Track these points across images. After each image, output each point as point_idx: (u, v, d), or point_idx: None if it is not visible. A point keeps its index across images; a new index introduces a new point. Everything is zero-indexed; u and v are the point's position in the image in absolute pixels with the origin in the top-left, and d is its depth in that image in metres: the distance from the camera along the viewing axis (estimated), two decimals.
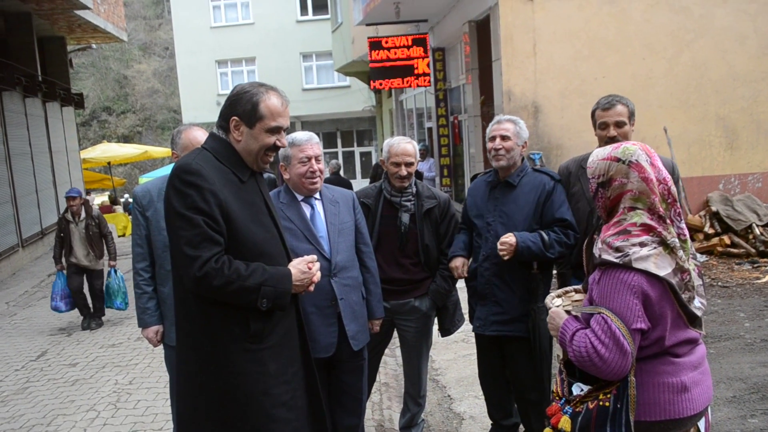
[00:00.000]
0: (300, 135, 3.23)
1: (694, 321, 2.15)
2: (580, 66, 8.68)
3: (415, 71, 11.50)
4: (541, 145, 8.60)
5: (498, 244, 3.31)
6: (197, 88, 26.71)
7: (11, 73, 11.35)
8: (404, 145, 3.67)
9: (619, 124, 3.25)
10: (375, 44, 11.53)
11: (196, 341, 2.37)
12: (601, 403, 2.07)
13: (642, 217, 2.10)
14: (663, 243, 2.06)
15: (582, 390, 2.16)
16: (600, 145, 3.18)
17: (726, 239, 8.55)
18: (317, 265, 2.54)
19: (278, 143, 2.44)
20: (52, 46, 15.67)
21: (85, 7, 12.67)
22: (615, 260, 2.04)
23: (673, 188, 2.17)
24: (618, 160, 2.15)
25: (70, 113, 16.25)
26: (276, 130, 2.41)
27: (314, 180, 3.19)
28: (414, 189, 3.78)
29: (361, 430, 3.52)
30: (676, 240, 2.09)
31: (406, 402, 4.10)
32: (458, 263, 3.59)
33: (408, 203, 3.74)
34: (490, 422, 3.83)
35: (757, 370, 4.67)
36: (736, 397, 4.28)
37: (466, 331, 4.08)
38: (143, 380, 5.60)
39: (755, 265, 7.92)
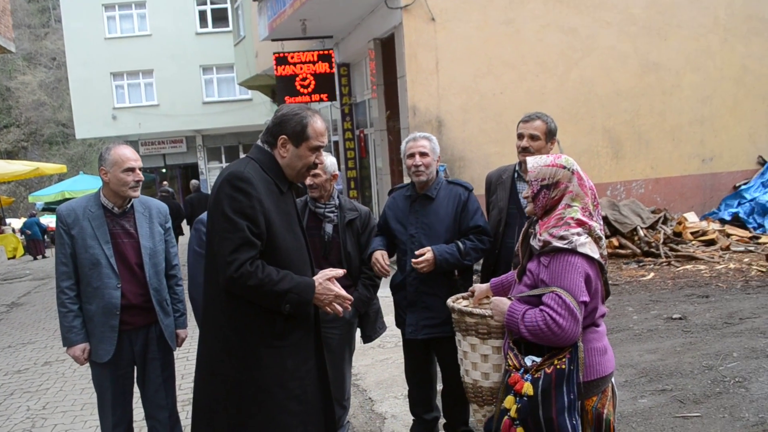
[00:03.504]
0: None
1: (607, 296, 2.67)
2: (479, 82, 9.19)
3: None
4: (444, 157, 9.02)
5: (412, 261, 3.57)
6: (91, 101, 25.58)
7: None
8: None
9: (532, 137, 3.54)
10: (281, 59, 11.65)
11: (225, 335, 2.59)
12: (557, 366, 2.43)
13: (577, 213, 2.53)
14: (591, 234, 2.51)
15: (534, 361, 2.49)
16: (518, 154, 3.58)
17: (614, 241, 9.29)
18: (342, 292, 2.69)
19: (316, 160, 2.71)
20: None
21: None
22: (564, 246, 2.46)
23: (595, 193, 2.64)
24: (564, 167, 2.58)
25: None
26: (317, 149, 2.67)
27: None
28: (337, 201, 3.99)
29: None
30: (600, 232, 2.56)
31: None
32: (378, 255, 3.71)
33: (331, 214, 3.94)
34: (412, 419, 4.07)
35: (645, 357, 5.20)
36: (627, 381, 4.76)
37: (381, 337, 4.33)
38: (58, 404, 5.45)
39: (641, 264, 8.68)
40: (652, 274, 8.09)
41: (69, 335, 3.41)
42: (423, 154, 3.72)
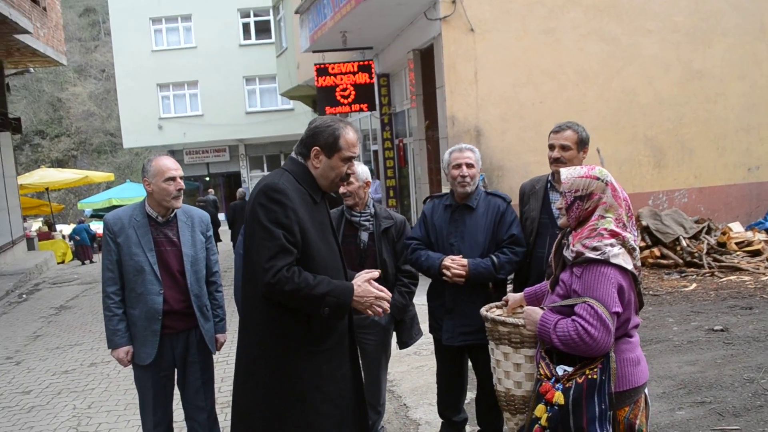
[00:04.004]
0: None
1: (641, 307, 2.67)
2: (519, 92, 9.18)
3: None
4: (483, 166, 8.89)
5: (443, 263, 3.64)
6: (138, 111, 26.35)
7: None
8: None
9: (564, 147, 3.55)
10: (321, 70, 11.83)
11: (262, 340, 2.67)
12: (589, 376, 2.45)
13: (611, 224, 2.55)
14: (624, 245, 2.53)
15: (566, 370, 2.52)
16: (550, 164, 3.59)
17: (656, 251, 9.15)
18: (375, 274, 2.77)
19: (349, 171, 2.79)
20: None
21: (25, 32, 12.50)
22: (597, 257, 2.48)
23: (629, 204, 2.64)
24: (597, 179, 2.60)
25: (7, 138, 15.86)
26: (349, 159, 2.76)
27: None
28: (372, 210, 4.08)
29: None
30: (634, 243, 2.57)
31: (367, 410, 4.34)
32: (448, 261, 3.68)
33: (367, 223, 4.03)
34: (441, 421, 4.14)
35: (684, 369, 5.12)
36: (665, 392, 4.70)
37: (417, 344, 4.39)
38: (102, 404, 5.62)
39: (683, 275, 8.52)
40: (694, 285, 7.94)
41: (114, 338, 3.56)
42: (469, 165, 3.78)
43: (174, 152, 29.48)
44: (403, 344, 4.28)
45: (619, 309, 2.47)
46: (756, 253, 8.99)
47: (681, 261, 8.91)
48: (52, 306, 10.51)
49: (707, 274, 8.38)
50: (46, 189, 20.53)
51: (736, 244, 9.20)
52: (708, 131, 9.86)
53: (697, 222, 9.62)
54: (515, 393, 2.93)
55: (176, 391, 3.76)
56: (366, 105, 12.06)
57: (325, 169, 2.75)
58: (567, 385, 2.48)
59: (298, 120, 25.08)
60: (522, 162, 8.77)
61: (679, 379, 4.93)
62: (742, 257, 8.93)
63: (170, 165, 3.56)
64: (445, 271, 3.68)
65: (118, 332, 3.55)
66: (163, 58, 26.66)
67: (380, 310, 2.71)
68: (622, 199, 2.63)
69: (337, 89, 11.86)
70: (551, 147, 3.62)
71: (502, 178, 8.82)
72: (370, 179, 4.14)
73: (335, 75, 11.79)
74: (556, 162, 3.59)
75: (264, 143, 28.58)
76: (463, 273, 3.64)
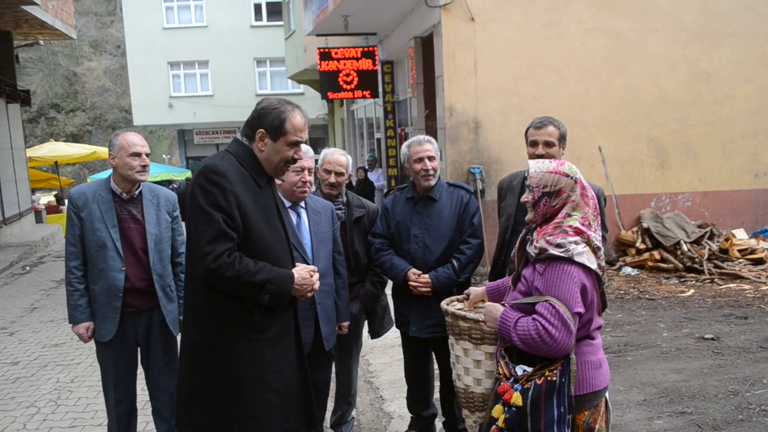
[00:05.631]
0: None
1: (604, 309, 2.60)
2: (519, 85, 8.99)
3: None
4: (481, 159, 8.89)
5: (410, 283, 3.67)
6: (148, 89, 26.28)
7: None
8: (338, 156, 3.89)
9: (548, 144, 3.45)
10: (325, 55, 11.69)
11: (203, 325, 2.60)
12: (548, 378, 2.36)
13: (576, 221, 2.46)
14: (589, 243, 2.43)
15: (525, 371, 2.43)
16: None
17: (656, 254, 8.98)
18: (317, 275, 2.79)
19: (295, 156, 2.69)
20: None
21: (32, 3, 12.45)
22: (561, 254, 2.38)
23: (596, 203, 2.57)
24: (567, 175, 2.50)
25: (16, 110, 15.85)
26: (296, 144, 2.66)
27: (304, 189, 3.47)
28: (345, 199, 3.98)
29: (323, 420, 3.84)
30: (598, 242, 2.47)
31: (337, 400, 4.26)
32: (412, 275, 3.70)
33: (339, 212, 3.92)
34: (410, 416, 4.11)
35: (669, 376, 4.98)
36: (646, 400, 4.57)
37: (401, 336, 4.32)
38: (85, 378, 5.61)
39: (682, 280, 8.35)
40: (691, 291, 7.77)
41: (74, 313, 3.52)
42: (431, 158, 3.74)
43: (184, 132, 29.53)
44: (374, 334, 4.25)
45: (581, 309, 2.38)
46: (759, 262, 8.80)
47: (681, 266, 8.74)
48: (53, 279, 10.51)
49: (707, 281, 8.21)
50: (55, 162, 20.52)
51: (739, 251, 9.01)
52: (714, 134, 9.63)
53: (699, 227, 9.43)
54: (475, 390, 2.83)
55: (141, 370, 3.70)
56: (369, 92, 11.92)
57: (269, 153, 2.65)
58: (526, 386, 2.39)
59: (308, 104, 24.84)
60: (521, 156, 8.49)
61: (662, 387, 4.79)
62: (744, 265, 8.75)
63: (136, 141, 3.51)
64: (411, 284, 3.70)
65: (78, 308, 3.51)
66: (174, 36, 26.53)
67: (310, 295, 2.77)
68: (590, 198, 2.53)
69: (340, 74, 11.73)
70: (533, 143, 3.52)
71: (500, 172, 8.65)
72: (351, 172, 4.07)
73: (338, 60, 11.66)
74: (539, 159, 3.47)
75: None
76: (428, 288, 3.66)
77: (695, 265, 8.62)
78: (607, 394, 2.57)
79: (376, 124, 14.31)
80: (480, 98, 8.81)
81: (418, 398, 4.04)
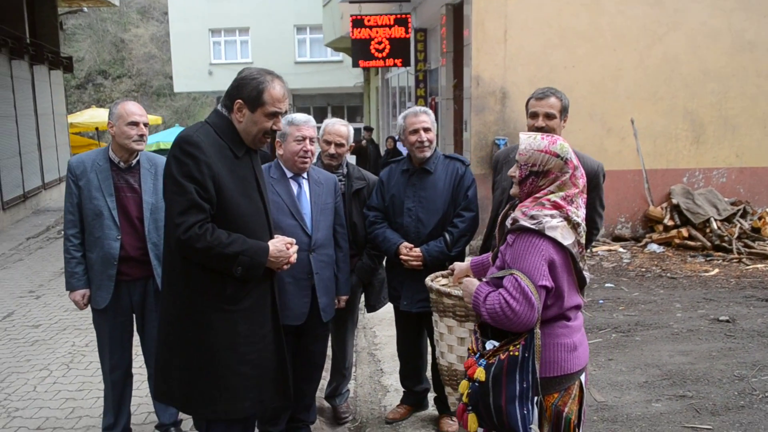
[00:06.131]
0: (299, 116, 3.51)
1: (582, 287, 2.50)
2: (550, 54, 8.74)
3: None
4: (507, 131, 8.72)
5: (401, 257, 3.65)
6: (189, 56, 26.55)
7: None
8: (338, 127, 3.86)
9: (549, 116, 3.35)
10: (357, 22, 11.57)
11: (178, 297, 2.62)
12: (511, 353, 2.32)
13: (556, 197, 2.38)
14: (567, 219, 2.36)
15: (494, 346, 2.40)
16: None
17: (684, 232, 8.72)
18: (295, 247, 2.79)
19: (274, 127, 2.66)
20: (42, 8, 15.59)
21: None
22: (531, 226, 2.32)
23: (585, 183, 2.46)
24: (557, 156, 2.39)
25: (58, 77, 16.23)
26: (274, 115, 2.64)
27: (305, 159, 3.45)
28: (345, 170, 3.95)
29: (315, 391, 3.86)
30: (579, 219, 2.39)
31: (332, 373, 4.31)
32: (404, 249, 3.68)
33: (339, 183, 3.90)
34: (403, 390, 4.13)
35: (675, 358, 4.87)
36: (647, 382, 4.48)
37: None
38: None
39: (708, 258, 8.11)
40: (716, 270, 7.54)
41: (71, 280, 3.59)
42: (426, 130, 3.69)
43: None
44: (371, 308, 4.25)
45: (546, 282, 2.30)
46: None
47: (709, 244, 8.48)
48: None
49: (734, 260, 7.95)
50: (96, 128, 20.99)
51: None
52: (755, 108, 9.20)
53: (733, 204, 9.10)
54: (458, 368, 2.84)
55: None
56: (401, 60, 11.77)
57: (247, 124, 2.63)
58: (490, 361, 2.36)
59: (347, 72, 24.81)
60: None
61: (666, 369, 4.69)
62: None
63: (134, 110, 3.54)
64: (402, 257, 3.67)
65: (75, 275, 3.58)
66: (215, 3, 26.63)
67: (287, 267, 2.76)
68: (579, 177, 2.43)
69: (372, 42, 11.59)
70: (533, 115, 3.42)
71: None
72: (353, 143, 4.02)
73: (371, 27, 11.52)
74: (539, 131, 3.37)
75: (312, 94, 28.49)
76: (419, 262, 3.63)
77: (724, 244, 8.35)
78: (583, 377, 2.51)
79: (408, 92, 14.15)
80: (509, 68, 8.61)
81: (410, 373, 4.04)
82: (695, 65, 9.04)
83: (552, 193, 2.39)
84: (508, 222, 2.42)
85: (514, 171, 2.49)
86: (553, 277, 2.34)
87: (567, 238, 2.34)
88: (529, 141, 2.45)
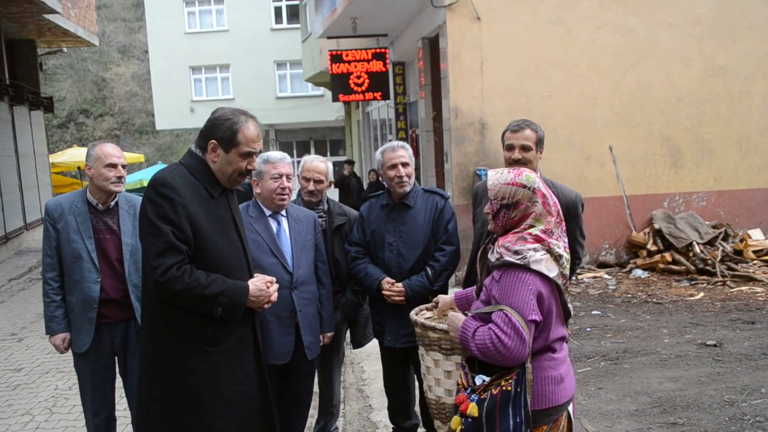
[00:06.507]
0: (274, 154, 3.50)
1: (567, 318, 2.53)
2: (526, 84, 8.86)
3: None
4: (487, 161, 8.78)
5: (383, 292, 3.62)
6: (171, 93, 26.61)
7: None
8: (316, 163, 3.85)
9: (525, 148, 3.37)
10: (335, 57, 11.70)
11: (157, 340, 2.59)
12: (503, 388, 2.32)
13: (537, 230, 2.41)
14: (550, 251, 2.38)
15: (484, 380, 2.39)
16: (507, 167, 3.39)
17: (668, 256, 8.77)
18: (275, 285, 2.78)
19: (249, 167, 2.66)
20: (21, 49, 15.59)
21: (54, 11, 12.68)
22: (517, 261, 2.34)
23: (560, 210, 2.50)
24: (524, 186, 2.43)
25: (39, 117, 16.16)
26: (248, 155, 2.63)
27: (283, 196, 3.44)
28: (326, 206, 3.94)
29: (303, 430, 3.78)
30: (561, 250, 2.42)
31: (320, 411, 4.24)
32: (385, 284, 3.65)
33: (320, 219, 3.89)
34: (392, 426, 4.05)
35: (665, 385, 4.85)
36: (638, 410, 4.45)
37: None
38: None
39: (693, 282, 8.15)
40: (701, 294, 7.58)
41: (51, 324, 3.55)
42: (405, 164, 3.71)
43: None
44: (357, 344, 4.20)
45: (536, 317, 2.33)
46: None
47: (693, 268, 8.53)
48: None
49: (718, 283, 8.00)
50: (78, 168, 20.86)
51: (754, 252, 8.77)
52: (730, 131, 9.36)
53: (714, 227, 9.19)
54: (446, 401, 2.79)
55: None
56: (380, 93, 11.89)
57: (222, 164, 2.63)
58: (482, 397, 2.36)
59: (328, 107, 24.95)
60: None
61: (656, 396, 4.67)
62: (759, 267, 8.50)
63: (112, 152, 3.54)
64: (384, 293, 3.64)
65: (55, 318, 3.53)
66: (196, 41, 26.83)
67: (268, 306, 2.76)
68: (552, 205, 2.47)
69: (351, 76, 11.71)
70: (509, 147, 3.45)
71: None
72: (333, 179, 4.01)
73: (349, 62, 11.65)
74: (516, 163, 3.41)
75: (294, 129, 28.59)
76: (402, 297, 3.60)
77: (707, 267, 8.40)
78: (570, 407, 2.51)
79: (388, 125, 14.25)
80: (486, 99, 8.70)
81: (398, 409, 3.97)
82: (669, 91, 9.21)
83: (532, 227, 2.42)
84: (493, 257, 2.44)
85: (487, 208, 2.54)
86: (541, 310, 2.36)
87: (552, 270, 2.37)
88: (496, 176, 2.51)
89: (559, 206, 2.51)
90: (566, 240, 2.50)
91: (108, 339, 3.54)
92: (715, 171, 9.44)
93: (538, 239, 2.39)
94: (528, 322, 2.30)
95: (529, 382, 2.32)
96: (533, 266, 2.32)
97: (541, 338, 2.41)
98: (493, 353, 2.31)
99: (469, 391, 2.41)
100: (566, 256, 2.46)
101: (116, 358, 3.62)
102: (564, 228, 2.52)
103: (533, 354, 2.39)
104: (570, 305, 2.50)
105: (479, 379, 2.41)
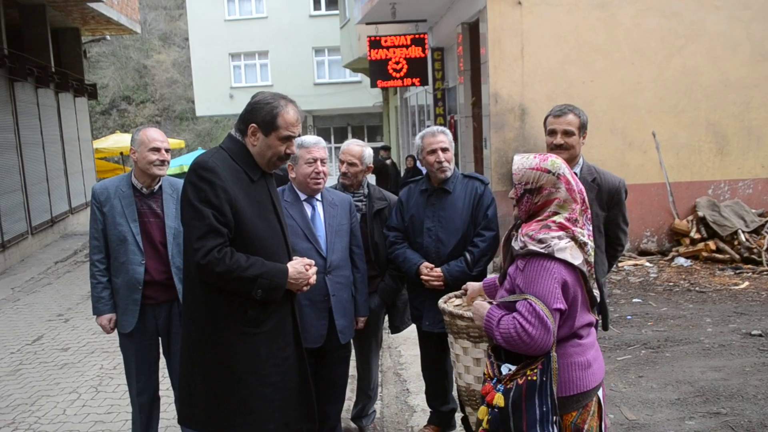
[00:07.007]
0: (309, 138, 3.52)
1: (593, 306, 2.51)
2: (568, 69, 8.72)
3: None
4: (527, 147, 8.69)
5: (422, 277, 3.64)
6: (210, 80, 26.95)
7: (23, 64, 11.59)
8: (352, 146, 3.88)
9: (567, 133, 3.35)
10: (374, 43, 11.67)
11: (199, 321, 2.64)
12: (529, 378, 2.33)
13: (561, 218, 2.39)
14: (574, 239, 2.38)
15: (510, 370, 2.40)
16: (549, 151, 3.36)
17: (711, 245, 8.58)
18: (314, 268, 2.80)
19: (288, 150, 2.69)
20: (66, 37, 15.96)
21: (98, 0, 12.95)
22: (541, 250, 2.33)
23: (585, 197, 2.47)
24: (548, 171, 2.41)
25: (83, 104, 16.56)
26: (288, 139, 2.66)
27: (318, 180, 3.46)
28: (366, 191, 3.96)
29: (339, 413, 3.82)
30: (585, 238, 2.41)
31: (357, 394, 4.28)
32: (424, 270, 3.67)
33: (360, 203, 3.91)
34: (429, 410, 4.08)
35: (707, 374, 4.77)
36: (680, 399, 4.39)
37: None
38: None
39: (737, 272, 7.96)
40: (746, 283, 7.40)
41: (98, 305, 3.64)
42: (444, 150, 3.69)
43: None
44: (395, 329, 4.22)
45: (561, 306, 2.31)
46: None
47: (737, 256, 8.33)
48: None
49: (764, 273, 7.79)
50: (120, 153, 21.30)
51: None
52: None
53: (761, 215, 8.94)
54: (476, 388, 2.82)
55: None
56: (418, 79, 11.82)
57: (261, 148, 2.66)
58: (508, 387, 2.37)
59: (365, 93, 24.94)
60: None
61: (699, 385, 4.59)
62: None
63: (156, 136, 3.60)
64: (423, 278, 3.65)
65: (101, 299, 3.63)
66: (235, 28, 27.07)
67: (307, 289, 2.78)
68: (577, 192, 2.44)
69: (390, 62, 11.67)
70: (552, 132, 3.43)
71: None
72: (372, 164, 4.01)
73: (388, 48, 11.60)
74: (558, 148, 3.39)
75: (332, 115, 28.69)
76: (441, 282, 3.61)
77: (753, 256, 8.19)
78: (600, 392, 2.49)
79: (426, 111, 14.19)
80: (526, 84, 8.60)
81: (435, 393, 4.01)
82: (715, 76, 8.95)
83: (556, 214, 2.41)
84: (517, 245, 2.43)
85: (512, 193, 2.53)
86: (566, 298, 2.35)
87: (576, 258, 2.36)
88: (521, 161, 2.49)
89: (585, 194, 2.48)
90: (590, 228, 2.48)
91: (152, 320, 3.62)
92: (762, 158, 9.16)
93: (562, 227, 2.37)
94: (552, 310, 2.29)
95: (554, 370, 2.32)
96: (557, 254, 2.31)
97: (566, 326, 2.40)
98: (517, 342, 2.30)
99: (494, 381, 2.43)
100: (591, 244, 2.44)
101: (160, 338, 3.70)
102: (589, 216, 2.49)
103: (558, 341, 2.38)
104: (596, 291, 2.47)
105: (505, 369, 2.42)
